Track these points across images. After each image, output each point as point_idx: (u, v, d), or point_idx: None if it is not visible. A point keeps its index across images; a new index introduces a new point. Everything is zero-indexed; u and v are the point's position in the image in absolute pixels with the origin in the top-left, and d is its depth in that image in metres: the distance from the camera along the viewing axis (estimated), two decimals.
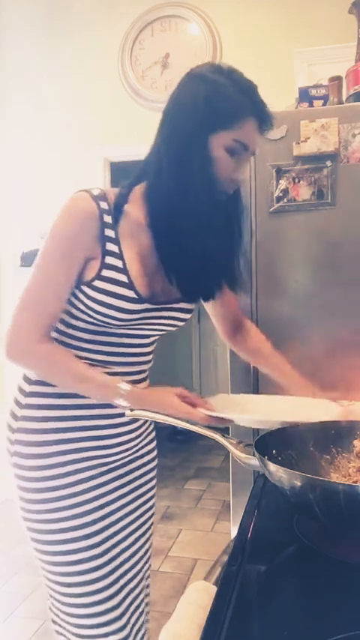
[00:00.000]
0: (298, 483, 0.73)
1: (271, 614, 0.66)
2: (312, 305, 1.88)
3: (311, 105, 1.95)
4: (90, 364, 1.04)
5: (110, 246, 1.00)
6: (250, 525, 0.88)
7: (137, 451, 1.17)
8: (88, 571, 1.05)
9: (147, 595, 1.25)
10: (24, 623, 2.13)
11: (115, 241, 1.01)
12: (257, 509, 0.94)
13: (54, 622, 1.16)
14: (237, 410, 1.09)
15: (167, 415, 0.97)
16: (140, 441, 1.18)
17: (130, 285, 1.00)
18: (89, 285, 1.00)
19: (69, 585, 1.06)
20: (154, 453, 1.26)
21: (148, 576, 1.25)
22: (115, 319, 1.02)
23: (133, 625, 1.14)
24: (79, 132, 3.33)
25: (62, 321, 1.06)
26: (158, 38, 3.20)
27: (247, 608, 0.67)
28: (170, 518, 3.07)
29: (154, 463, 1.25)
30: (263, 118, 0.99)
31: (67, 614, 1.09)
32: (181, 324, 1.15)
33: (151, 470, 1.23)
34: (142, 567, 1.20)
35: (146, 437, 1.21)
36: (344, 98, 2.01)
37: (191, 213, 0.98)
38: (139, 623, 1.18)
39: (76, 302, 1.02)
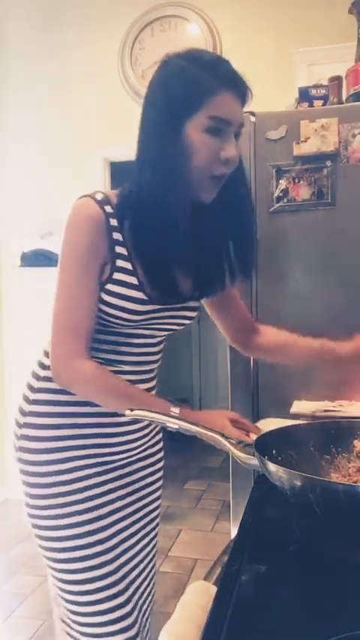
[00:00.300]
0: (298, 483, 0.73)
1: (271, 615, 0.66)
2: (312, 305, 1.88)
3: (311, 105, 1.95)
4: (100, 364, 1.04)
5: (119, 249, 1.00)
6: (250, 525, 0.88)
7: (143, 451, 1.18)
8: (94, 567, 1.06)
9: (153, 595, 1.25)
10: (24, 623, 2.13)
11: (123, 244, 1.01)
12: (257, 510, 0.94)
13: (63, 621, 1.15)
14: None
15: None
16: (146, 442, 1.18)
17: (139, 287, 1.01)
18: (102, 288, 1.00)
19: (76, 583, 1.06)
20: (161, 454, 1.26)
21: (154, 575, 1.25)
22: (125, 320, 1.02)
23: (141, 624, 1.14)
24: (79, 132, 3.33)
25: None
26: (158, 38, 3.20)
27: (247, 608, 0.67)
28: (170, 518, 3.06)
29: (161, 464, 1.25)
30: (235, 87, 0.95)
31: (75, 613, 1.09)
32: (188, 322, 1.15)
33: (157, 470, 1.23)
34: (148, 565, 1.20)
35: (152, 437, 1.21)
36: (344, 98, 2.02)
37: (171, 206, 0.96)
38: (147, 622, 1.18)
39: None
